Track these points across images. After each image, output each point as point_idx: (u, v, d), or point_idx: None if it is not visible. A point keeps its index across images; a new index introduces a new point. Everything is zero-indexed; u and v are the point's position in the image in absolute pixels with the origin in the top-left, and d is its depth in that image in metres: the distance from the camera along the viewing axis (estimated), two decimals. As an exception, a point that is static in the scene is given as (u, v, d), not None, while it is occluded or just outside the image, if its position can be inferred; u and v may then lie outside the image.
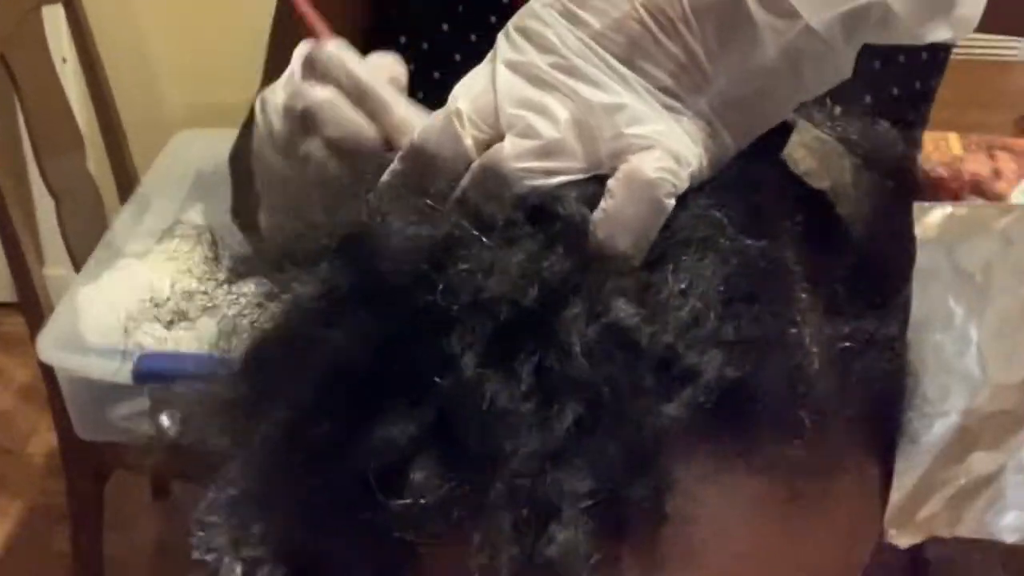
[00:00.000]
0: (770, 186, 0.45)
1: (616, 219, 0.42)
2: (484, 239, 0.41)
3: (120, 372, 1.49)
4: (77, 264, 1.71)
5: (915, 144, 0.84)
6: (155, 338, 1.55)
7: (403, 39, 0.81)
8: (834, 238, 0.45)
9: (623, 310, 0.39)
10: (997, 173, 1.74)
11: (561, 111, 0.44)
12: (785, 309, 0.41)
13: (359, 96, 0.50)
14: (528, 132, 0.44)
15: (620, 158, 0.43)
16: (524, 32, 0.46)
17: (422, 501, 0.38)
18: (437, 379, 0.40)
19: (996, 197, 1.68)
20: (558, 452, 0.38)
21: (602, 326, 0.39)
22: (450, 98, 0.46)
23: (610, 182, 0.43)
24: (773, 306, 0.40)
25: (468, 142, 0.45)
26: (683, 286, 0.40)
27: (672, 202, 0.42)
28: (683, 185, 0.43)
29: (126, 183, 1.93)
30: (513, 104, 0.45)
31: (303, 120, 0.51)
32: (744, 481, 0.40)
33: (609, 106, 0.44)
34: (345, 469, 0.40)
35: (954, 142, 1.79)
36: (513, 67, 0.45)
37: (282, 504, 0.43)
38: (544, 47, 0.45)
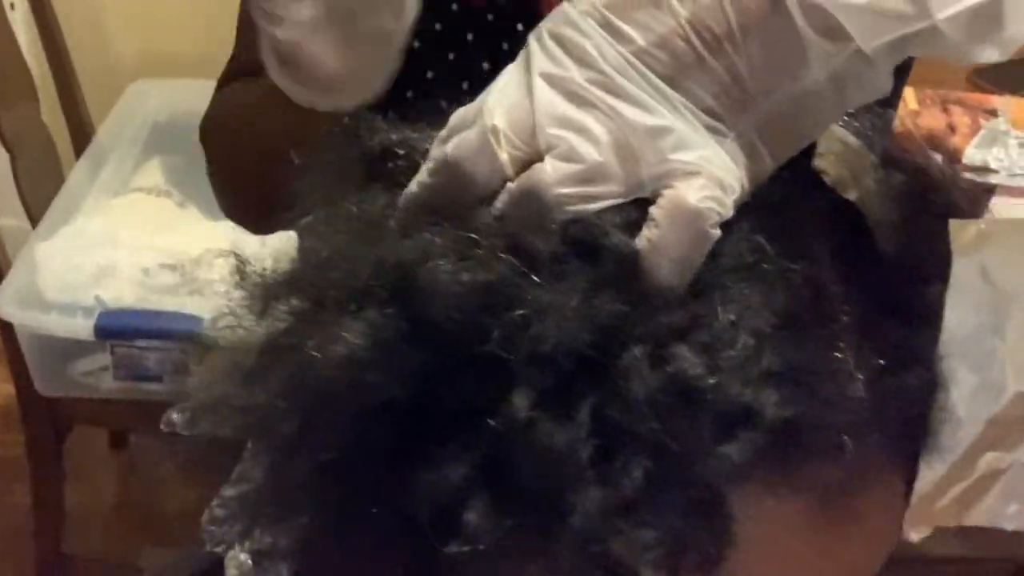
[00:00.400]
0: (804, 202, 0.44)
1: (661, 250, 0.41)
2: (535, 277, 0.40)
3: (82, 328, 1.49)
4: (33, 218, 1.69)
5: (891, 120, 0.85)
6: (116, 295, 1.54)
7: None
8: (866, 251, 0.45)
9: (687, 360, 0.39)
10: (951, 128, 1.76)
11: (603, 132, 0.42)
12: (830, 335, 0.41)
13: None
14: (570, 155, 0.42)
15: (662, 183, 0.42)
16: (560, 41, 0.44)
17: (478, 545, 0.38)
18: (489, 421, 0.39)
19: (950, 152, 1.71)
20: (624, 506, 0.38)
21: (666, 376, 0.39)
22: (484, 111, 0.44)
23: (653, 210, 0.42)
24: (818, 332, 0.40)
25: (504, 158, 0.43)
26: (732, 317, 0.40)
27: (718, 232, 0.41)
28: (728, 213, 0.42)
29: (81, 135, 1.90)
30: (552, 123, 0.43)
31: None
32: (785, 501, 0.41)
33: (653, 128, 0.42)
34: (393, 511, 0.40)
35: (909, 96, 1.81)
36: (550, 81, 0.43)
37: (318, 537, 0.43)
38: (583, 61, 0.43)
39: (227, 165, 0.86)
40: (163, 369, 1.53)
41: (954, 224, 0.43)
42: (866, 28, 0.41)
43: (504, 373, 0.39)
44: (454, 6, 0.71)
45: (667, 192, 0.42)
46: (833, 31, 0.41)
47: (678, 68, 0.42)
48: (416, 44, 0.78)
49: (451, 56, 0.71)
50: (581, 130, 0.43)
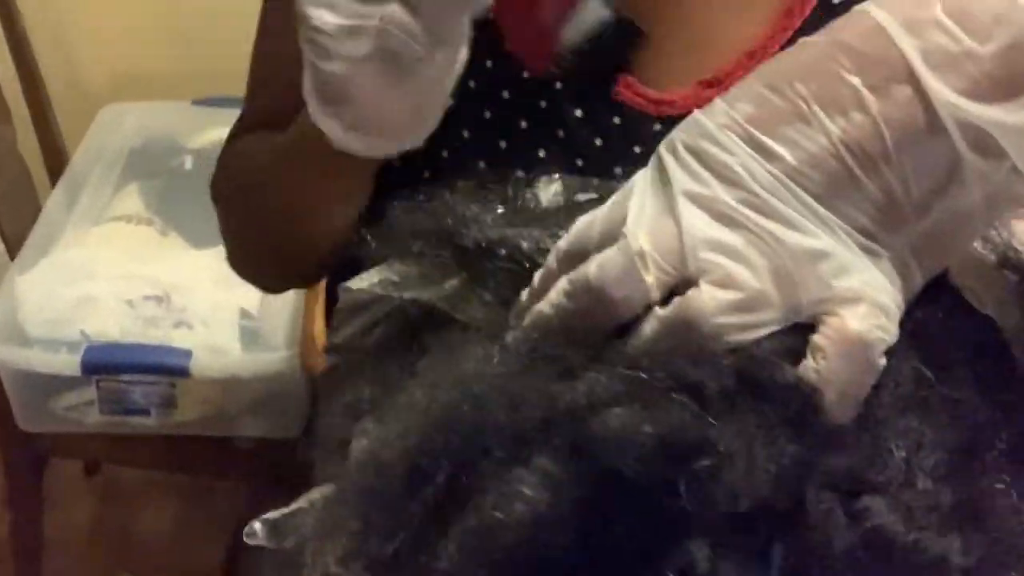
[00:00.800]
0: (949, 321, 0.43)
1: (830, 382, 0.40)
2: (711, 420, 0.39)
3: (67, 364, 1.46)
4: (10, 249, 1.66)
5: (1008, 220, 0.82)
6: (100, 328, 1.51)
7: None
8: (1006, 369, 0.44)
9: (883, 515, 0.38)
10: None
11: (759, 257, 0.41)
12: (993, 465, 0.40)
13: None
14: (727, 282, 0.41)
15: (823, 308, 0.41)
16: (700, 156, 0.42)
17: None
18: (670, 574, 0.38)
19: None
20: None
21: (864, 531, 0.38)
22: (627, 233, 0.42)
23: (819, 340, 0.41)
24: (983, 464, 0.40)
25: (651, 282, 0.42)
26: (904, 455, 0.39)
27: (884, 361, 0.40)
28: (892, 340, 0.41)
29: (55, 162, 1.87)
30: (704, 247, 0.41)
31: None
32: None
33: (811, 252, 0.41)
34: None
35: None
36: (696, 200, 0.42)
37: None
38: (730, 180, 0.42)
39: (241, 226, 0.84)
40: (150, 402, 1.50)
41: None
42: (1021, 146, 0.41)
43: (682, 520, 0.38)
44: (488, 63, 0.70)
45: (831, 320, 0.41)
46: (990, 149, 0.41)
47: (831, 188, 0.41)
48: (450, 102, 0.77)
49: (487, 115, 0.69)
50: (736, 255, 0.41)
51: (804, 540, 0.38)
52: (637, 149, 0.68)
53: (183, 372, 1.44)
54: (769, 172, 0.41)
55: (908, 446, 0.39)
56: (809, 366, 0.40)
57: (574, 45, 0.57)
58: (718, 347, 0.41)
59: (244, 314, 1.50)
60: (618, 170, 0.68)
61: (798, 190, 0.41)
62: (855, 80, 0.41)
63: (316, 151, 0.60)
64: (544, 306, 0.45)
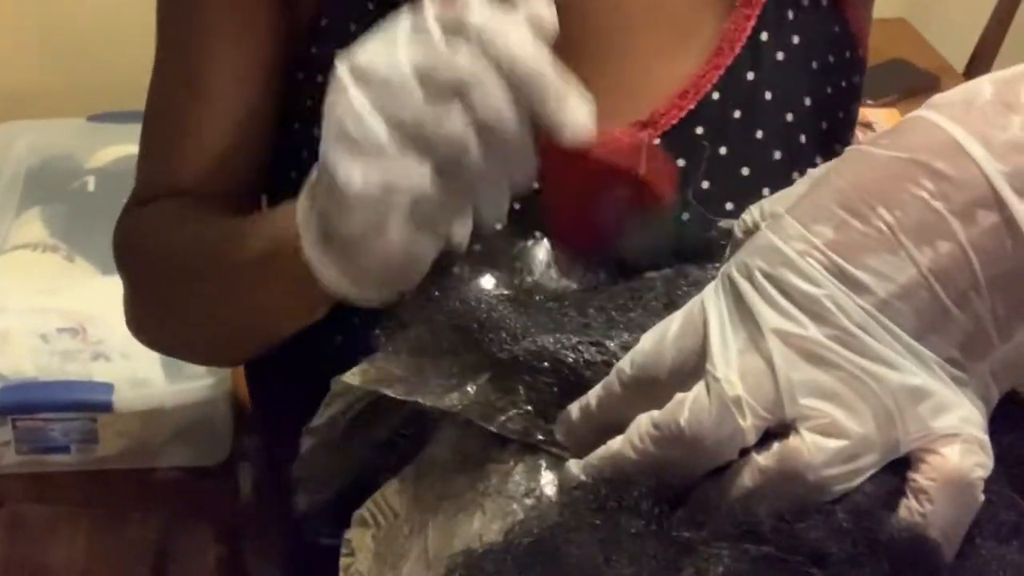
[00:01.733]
0: (1021, 437, 0.43)
1: (936, 525, 0.40)
2: None
3: (-20, 405, 1.40)
4: (-93, 282, 1.58)
5: None
6: (14, 365, 1.45)
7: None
8: None
9: None
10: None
11: (858, 400, 0.40)
12: None
13: (520, 78, 0.45)
14: (830, 430, 0.40)
15: (919, 445, 0.40)
16: (782, 288, 0.41)
17: None
18: None
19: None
20: None
21: None
22: (718, 376, 0.41)
23: (923, 481, 0.40)
24: None
25: (747, 427, 0.41)
26: None
27: (983, 497, 0.40)
28: (988, 473, 0.40)
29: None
30: (803, 391, 0.40)
31: (444, 94, 0.45)
32: None
33: (911, 391, 0.40)
34: None
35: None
36: (787, 340, 0.41)
37: None
38: (819, 316, 0.40)
39: (159, 311, 0.76)
40: (70, 439, 1.45)
41: None
42: None
43: None
44: None
45: (933, 460, 0.40)
46: None
47: (921, 321, 0.40)
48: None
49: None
50: (837, 399, 0.40)
51: None
52: None
53: (106, 407, 1.39)
54: (860, 306, 0.40)
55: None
56: (915, 509, 0.40)
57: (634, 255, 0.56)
58: (823, 498, 0.40)
59: (165, 343, 1.46)
60: None
61: (891, 324, 0.40)
62: (940, 205, 0.40)
63: (288, 272, 0.56)
64: (625, 448, 0.43)
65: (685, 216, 0.63)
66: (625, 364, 0.46)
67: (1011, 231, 0.40)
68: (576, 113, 0.47)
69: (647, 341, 0.45)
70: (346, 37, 0.57)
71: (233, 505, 1.58)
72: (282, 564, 1.00)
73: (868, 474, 0.40)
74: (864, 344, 0.40)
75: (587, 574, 0.40)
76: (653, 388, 0.45)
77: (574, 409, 0.49)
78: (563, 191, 0.54)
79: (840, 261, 0.40)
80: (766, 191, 0.68)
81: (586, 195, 0.54)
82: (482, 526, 0.49)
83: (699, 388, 0.42)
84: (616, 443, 0.45)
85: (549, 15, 0.47)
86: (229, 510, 1.62)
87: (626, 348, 0.48)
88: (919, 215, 0.40)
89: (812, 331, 0.40)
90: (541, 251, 0.59)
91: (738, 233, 0.51)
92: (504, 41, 0.45)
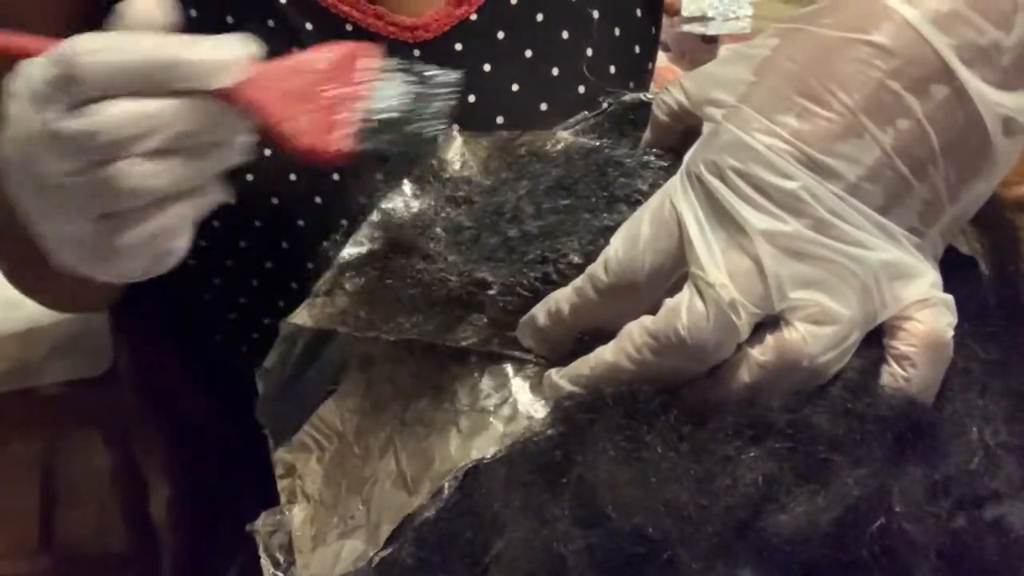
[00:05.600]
0: (961, 286, 0.45)
1: (921, 388, 0.42)
2: (872, 477, 0.39)
3: None
4: None
5: None
6: None
7: None
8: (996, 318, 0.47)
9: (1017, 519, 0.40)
10: None
11: (842, 284, 0.41)
12: None
13: (146, 76, 0.44)
14: (822, 317, 0.41)
15: (893, 314, 0.42)
16: (757, 184, 0.42)
17: None
18: None
19: (668, 7, 1.78)
20: None
21: (1010, 539, 0.40)
22: (712, 281, 0.42)
23: (905, 348, 0.42)
24: None
25: (741, 326, 0.42)
26: (976, 433, 0.42)
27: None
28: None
29: None
30: (791, 285, 0.41)
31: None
32: None
33: (884, 266, 0.42)
34: None
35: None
36: (771, 239, 0.41)
37: None
38: (796, 208, 0.41)
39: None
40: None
41: None
42: None
43: (848, 572, 0.39)
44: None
45: (910, 327, 0.42)
46: (1013, 131, 0.43)
47: (888, 197, 0.42)
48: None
49: None
50: (822, 286, 0.41)
51: (958, 557, 0.40)
52: None
53: (-20, 333, 1.36)
54: (833, 193, 0.42)
55: (978, 424, 0.42)
56: (898, 374, 0.42)
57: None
58: (818, 383, 0.42)
59: (35, 260, 1.42)
60: None
61: (861, 206, 0.42)
62: (895, 85, 0.41)
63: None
64: (620, 359, 0.44)
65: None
66: (599, 271, 0.46)
67: (961, 101, 0.42)
68: (214, 64, 0.45)
69: (620, 246, 0.45)
70: None
71: (120, 410, 1.57)
72: (172, 462, 0.99)
73: (852, 352, 0.42)
74: (841, 230, 0.41)
75: (620, 496, 0.41)
76: (630, 292, 0.45)
77: (540, 314, 0.48)
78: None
79: (809, 150, 0.41)
80: (543, 106, 0.72)
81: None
82: (461, 443, 0.49)
83: (691, 294, 0.43)
84: (608, 354, 0.45)
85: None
86: (117, 416, 1.60)
87: (585, 254, 0.49)
88: (877, 96, 0.41)
89: (793, 225, 0.41)
90: (452, 148, 0.58)
91: (660, 115, 0.51)
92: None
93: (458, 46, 0.71)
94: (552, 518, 0.42)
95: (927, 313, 0.42)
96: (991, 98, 0.42)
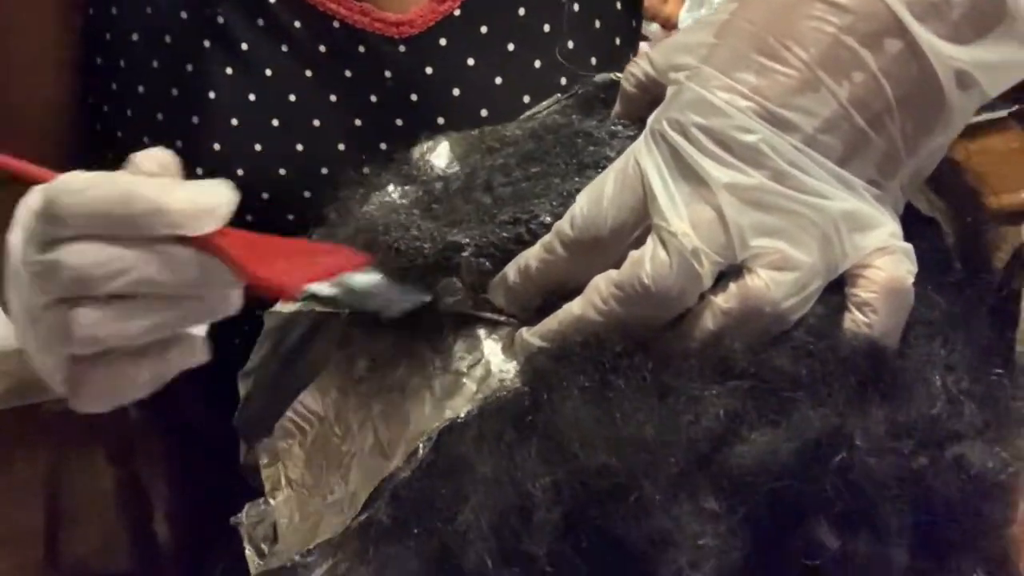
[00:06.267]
0: (920, 241, 0.45)
1: (884, 333, 0.43)
2: (826, 409, 0.40)
3: None
4: None
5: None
6: None
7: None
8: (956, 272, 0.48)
9: (983, 460, 0.41)
10: (663, -3, 1.85)
11: (802, 232, 0.42)
12: (999, 374, 0.44)
13: (123, 220, 0.45)
14: (783, 264, 0.42)
15: (855, 262, 0.43)
16: (718, 138, 0.43)
17: None
18: (805, 561, 0.40)
19: (665, 20, 1.80)
20: None
21: (971, 477, 0.41)
22: (674, 230, 0.43)
23: (865, 295, 0.43)
24: (996, 367, 0.44)
25: (704, 275, 0.43)
26: (940, 381, 0.42)
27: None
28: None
29: None
30: (752, 233, 0.42)
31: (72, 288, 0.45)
32: None
33: (845, 215, 0.43)
34: None
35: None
36: (732, 190, 0.43)
37: None
38: (756, 161, 0.43)
39: None
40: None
41: None
42: (996, 78, 0.44)
43: (816, 506, 0.40)
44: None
45: (872, 274, 0.43)
46: (966, 84, 0.44)
47: (845, 149, 0.43)
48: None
49: (206, 44, 0.70)
50: (783, 234, 0.42)
51: (924, 497, 0.40)
52: (388, 74, 0.71)
53: (-18, 348, 1.37)
54: (792, 145, 0.43)
55: (941, 373, 0.42)
56: (860, 321, 0.43)
57: None
58: (781, 328, 0.43)
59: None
60: (374, 98, 0.71)
61: (819, 157, 0.43)
62: (850, 40, 0.43)
63: None
64: (587, 311, 0.45)
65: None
66: (565, 226, 0.47)
67: (915, 54, 0.43)
68: (195, 213, 0.46)
69: (585, 203, 0.47)
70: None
71: (124, 426, 1.58)
72: (175, 476, 0.99)
73: (814, 299, 0.43)
74: (800, 180, 0.43)
75: (586, 434, 0.42)
76: (594, 247, 0.46)
77: (511, 272, 0.49)
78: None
79: (768, 104, 0.43)
80: (527, 98, 0.73)
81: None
82: (435, 405, 0.50)
83: (654, 244, 0.44)
84: (576, 307, 0.46)
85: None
86: (121, 431, 1.61)
87: (555, 215, 0.49)
88: (832, 50, 0.43)
89: (755, 177, 0.43)
90: (440, 156, 0.58)
91: (627, 87, 0.53)
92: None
93: (442, 41, 0.72)
94: (520, 459, 0.43)
95: (887, 260, 0.43)
96: (944, 51, 0.43)
